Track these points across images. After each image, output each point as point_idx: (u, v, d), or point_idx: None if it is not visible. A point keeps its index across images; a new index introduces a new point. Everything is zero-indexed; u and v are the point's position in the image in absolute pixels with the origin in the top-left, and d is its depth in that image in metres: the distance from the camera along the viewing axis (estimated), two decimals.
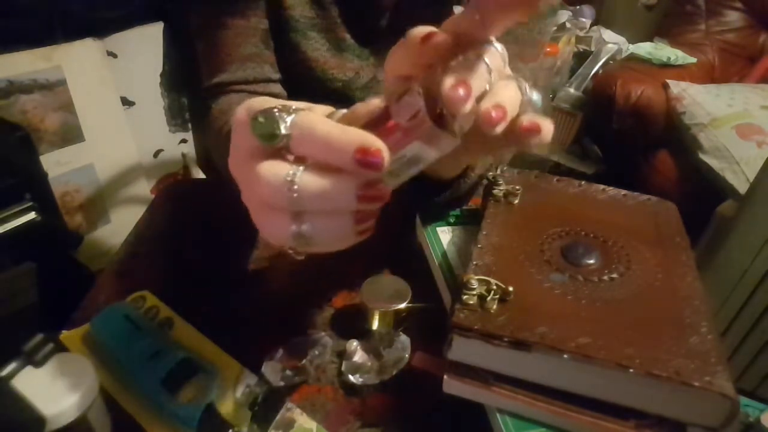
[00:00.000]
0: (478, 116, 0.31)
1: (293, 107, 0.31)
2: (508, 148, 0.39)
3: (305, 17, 0.65)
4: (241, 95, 0.64)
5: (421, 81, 0.32)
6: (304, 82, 0.68)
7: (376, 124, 0.30)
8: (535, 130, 0.35)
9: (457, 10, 0.66)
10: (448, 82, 0.30)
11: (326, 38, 0.66)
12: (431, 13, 0.65)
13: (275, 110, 0.30)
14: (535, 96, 0.38)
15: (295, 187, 0.29)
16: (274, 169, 0.30)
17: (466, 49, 0.33)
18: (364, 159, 0.28)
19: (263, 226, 0.33)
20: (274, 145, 0.30)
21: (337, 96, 0.67)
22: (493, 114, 0.31)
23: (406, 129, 0.30)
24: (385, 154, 0.28)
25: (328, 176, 0.29)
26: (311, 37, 0.66)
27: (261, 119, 0.30)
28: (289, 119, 0.30)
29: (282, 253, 0.35)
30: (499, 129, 0.32)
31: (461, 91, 0.30)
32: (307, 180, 0.29)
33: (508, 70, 0.35)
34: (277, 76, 0.67)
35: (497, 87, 0.33)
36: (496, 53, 0.33)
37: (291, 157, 0.31)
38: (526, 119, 0.34)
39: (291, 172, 0.30)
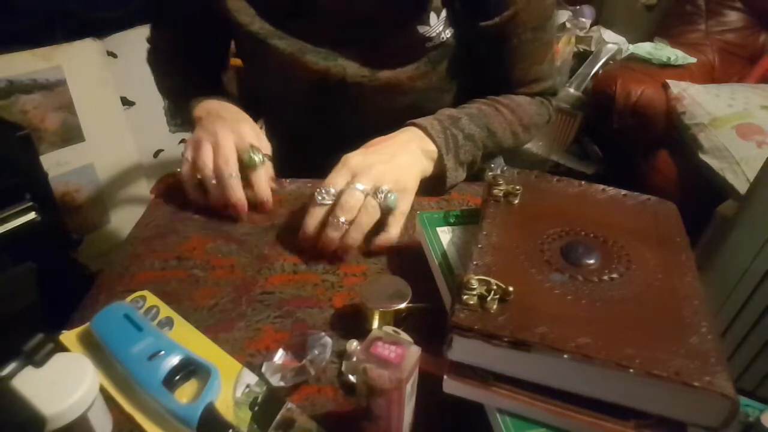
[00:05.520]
0: None
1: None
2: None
3: (264, 29, 0.72)
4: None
5: None
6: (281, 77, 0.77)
7: None
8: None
9: (422, 29, 0.70)
10: None
11: (287, 44, 0.72)
12: (395, 29, 0.68)
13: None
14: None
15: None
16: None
17: None
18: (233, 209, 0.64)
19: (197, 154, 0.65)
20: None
21: (318, 86, 0.75)
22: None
23: None
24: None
25: None
26: (273, 45, 0.72)
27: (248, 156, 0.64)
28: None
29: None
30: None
31: None
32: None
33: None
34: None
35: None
36: None
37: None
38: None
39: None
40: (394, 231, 0.60)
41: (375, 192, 0.59)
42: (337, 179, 0.60)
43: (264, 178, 0.65)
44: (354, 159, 0.61)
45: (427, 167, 0.67)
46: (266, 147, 0.67)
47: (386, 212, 0.60)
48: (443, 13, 0.69)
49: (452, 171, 0.68)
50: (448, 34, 0.71)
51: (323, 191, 0.59)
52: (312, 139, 0.70)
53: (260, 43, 0.72)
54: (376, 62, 0.72)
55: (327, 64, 0.72)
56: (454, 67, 0.75)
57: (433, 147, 0.66)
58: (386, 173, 0.60)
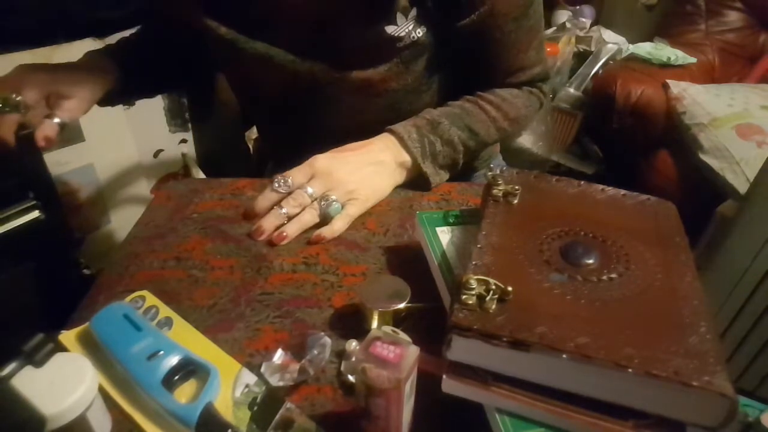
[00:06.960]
0: None
1: None
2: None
3: (231, 33, 0.72)
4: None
5: None
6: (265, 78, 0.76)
7: None
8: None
9: (390, 29, 0.69)
10: None
11: (255, 47, 0.72)
12: (361, 31, 0.68)
13: None
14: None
15: None
16: None
17: None
18: None
19: None
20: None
21: (291, 87, 0.75)
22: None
23: None
24: None
25: None
26: (241, 48, 0.72)
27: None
28: None
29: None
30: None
31: None
32: None
33: None
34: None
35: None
36: None
37: None
38: None
39: None
40: (337, 225, 0.63)
41: (321, 198, 0.64)
42: (297, 174, 0.65)
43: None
44: (320, 161, 0.65)
45: (398, 178, 0.70)
46: (28, 94, 0.70)
47: (326, 219, 0.63)
48: (412, 12, 0.67)
49: (433, 176, 0.71)
50: (419, 33, 0.69)
51: (281, 180, 0.64)
52: (296, 140, 0.70)
53: (229, 47, 0.71)
54: (345, 63, 0.71)
55: (296, 67, 0.72)
56: (429, 66, 0.73)
57: (407, 158, 0.69)
58: (346, 182, 0.64)
